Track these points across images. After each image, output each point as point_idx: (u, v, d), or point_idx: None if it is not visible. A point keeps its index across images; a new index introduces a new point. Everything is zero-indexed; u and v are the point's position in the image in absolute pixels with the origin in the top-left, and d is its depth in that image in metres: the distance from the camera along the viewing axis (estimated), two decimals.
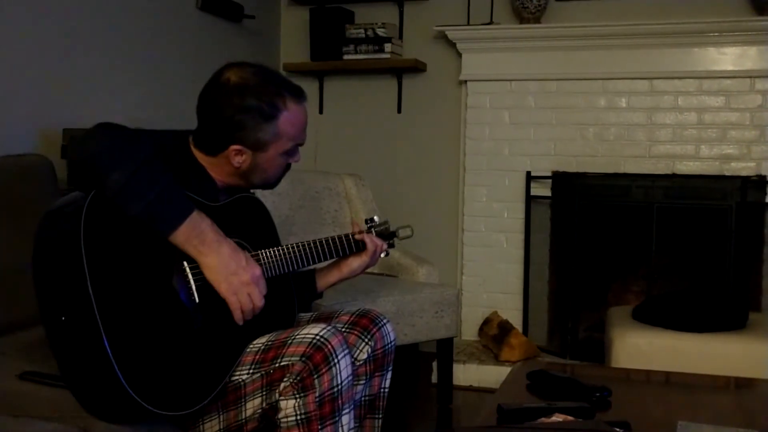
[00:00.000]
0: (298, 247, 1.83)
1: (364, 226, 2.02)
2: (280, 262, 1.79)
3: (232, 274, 1.62)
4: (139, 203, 1.51)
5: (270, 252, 1.78)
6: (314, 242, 1.88)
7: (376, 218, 2.05)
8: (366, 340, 1.85)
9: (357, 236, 1.97)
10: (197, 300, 1.61)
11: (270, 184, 1.89)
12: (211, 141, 1.76)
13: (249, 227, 1.82)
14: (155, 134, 1.80)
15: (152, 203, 1.52)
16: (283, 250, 1.81)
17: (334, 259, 2.00)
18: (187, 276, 1.61)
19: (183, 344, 1.56)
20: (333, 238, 1.93)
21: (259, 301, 1.67)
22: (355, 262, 2.00)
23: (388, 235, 2.06)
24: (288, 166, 1.87)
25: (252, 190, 1.92)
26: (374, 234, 2.01)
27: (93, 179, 1.52)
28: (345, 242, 1.95)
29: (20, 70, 2.50)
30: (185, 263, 1.61)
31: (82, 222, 1.47)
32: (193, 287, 1.61)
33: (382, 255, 2.02)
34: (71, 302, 1.46)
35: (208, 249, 1.60)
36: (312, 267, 1.96)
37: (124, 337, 1.46)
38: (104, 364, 1.42)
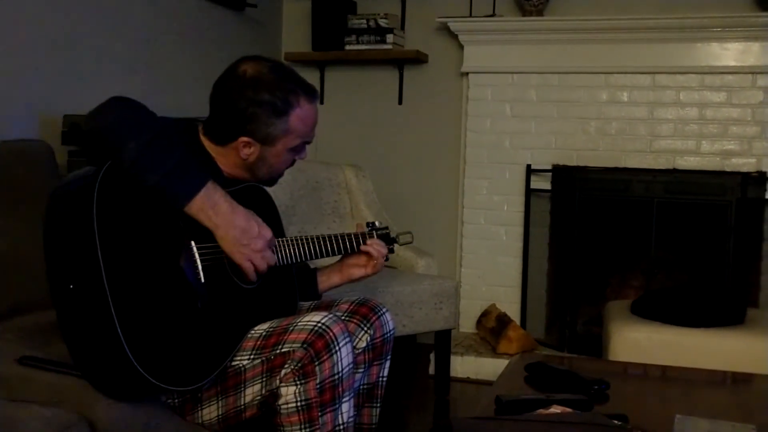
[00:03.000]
0: (302, 239, 1.85)
1: (366, 230, 2.04)
2: (287, 252, 1.80)
3: (245, 244, 1.64)
4: (155, 173, 1.52)
5: (278, 241, 1.79)
6: (318, 237, 1.89)
7: (377, 223, 2.08)
8: (365, 328, 1.86)
9: (363, 248, 1.98)
10: (203, 280, 1.61)
11: (273, 179, 1.91)
12: (221, 131, 1.78)
13: None
14: (166, 119, 1.81)
15: (168, 174, 1.53)
16: (287, 241, 1.82)
17: (337, 257, 2.00)
18: (194, 255, 1.61)
19: (187, 322, 1.57)
20: (337, 236, 1.95)
21: (273, 260, 1.72)
22: (357, 272, 2.02)
23: (388, 241, 2.07)
24: (292, 162, 1.89)
25: None
26: (375, 237, 2.02)
27: (109, 149, 1.52)
28: (348, 241, 1.97)
29: (22, 55, 2.49)
30: (193, 242, 1.61)
31: (95, 194, 1.48)
32: (200, 267, 1.62)
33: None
34: (81, 270, 1.47)
35: (221, 220, 1.61)
36: (314, 265, 1.97)
37: (131, 309, 1.47)
38: (110, 334, 1.43)
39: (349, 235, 1.98)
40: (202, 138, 1.81)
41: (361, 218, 3.22)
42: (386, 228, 2.09)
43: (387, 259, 2.05)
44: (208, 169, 1.76)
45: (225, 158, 1.80)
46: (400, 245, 2.12)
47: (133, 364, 1.44)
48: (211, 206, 1.60)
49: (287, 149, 1.81)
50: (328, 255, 1.94)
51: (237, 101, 1.73)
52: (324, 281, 2.05)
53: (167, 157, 1.54)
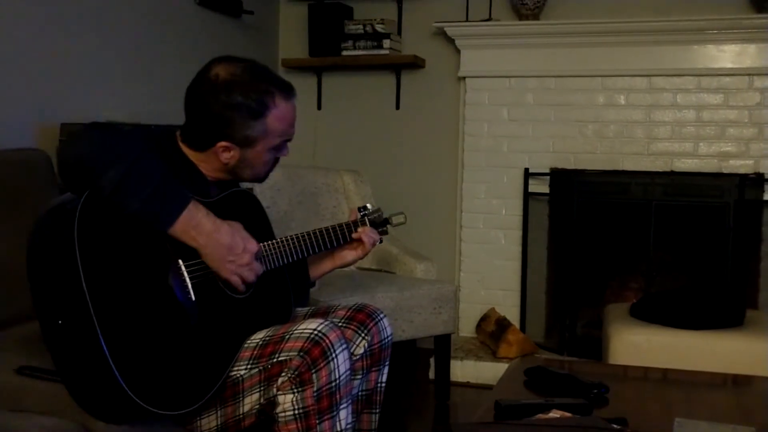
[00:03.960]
0: (293, 238, 1.84)
1: (358, 216, 2.03)
2: (276, 255, 1.79)
3: (231, 261, 1.64)
4: (135, 200, 1.51)
5: (266, 245, 1.78)
6: (309, 233, 1.88)
7: (369, 206, 2.06)
8: (363, 334, 1.85)
9: (354, 235, 1.97)
10: (193, 298, 1.61)
11: (259, 178, 1.89)
12: (198, 137, 1.76)
13: (243, 222, 1.82)
14: (143, 131, 1.80)
15: (148, 200, 1.52)
16: (278, 242, 1.81)
17: (329, 250, 1.99)
18: (182, 274, 1.60)
19: (180, 343, 1.56)
20: (328, 229, 1.93)
21: (260, 270, 1.71)
22: (349, 255, 2.02)
23: (381, 223, 2.06)
24: (276, 160, 1.87)
25: (245, 185, 1.92)
26: (368, 222, 2.02)
27: (87, 180, 1.51)
28: (339, 232, 1.96)
29: (18, 64, 2.49)
30: (180, 261, 1.61)
31: (76, 224, 1.46)
32: (189, 285, 1.61)
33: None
34: (67, 305, 1.45)
35: (205, 239, 1.60)
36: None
37: (122, 338, 1.46)
38: (102, 365, 1.42)
39: (339, 225, 1.96)
40: (181, 145, 1.78)
41: None
42: (378, 210, 2.07)
43: (381, 241, 2.04)
44: (191, 176, 1.75)
45: (206, 164, 1.78)
46: (393, 226, 2.11)
47: (129, 396, 1.43)
48: (194, 227, 1.59)
49: (267, 149, 1.78)
50: (321, 250, 1.92)
51: (211, 106, 1.71)
52: (316, 268, 2.04)
53: (146, 183, 1.52)
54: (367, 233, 1.98)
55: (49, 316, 1.48)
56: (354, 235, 1.98)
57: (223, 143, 1.73)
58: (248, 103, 1.71)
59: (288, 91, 1.79)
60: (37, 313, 1.50)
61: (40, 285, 1.50)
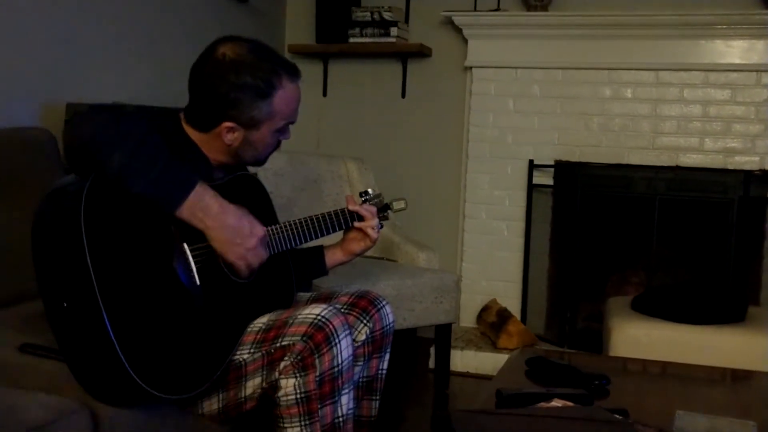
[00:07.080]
0: (295, 223, 1.83)
1: (359, 200, 2.02)
2: (279, 240, 1.79)
3: (238, 244, 1.63)
4: (142, 181, 1.50)
5: (270, 230, 1.78)
6: (311, 218, 1.88)
7: (370, 191, 2.05)
8: (365, 321, 1.85)
9: (356, 224, 1.97)
10: (198, 282, 1.60)
11: (260, 162, 1.87)
12: (203, 117, 1.74)
13: (247, 206, 1.82)
14: (147, 111, 1.78)
15: (155, 180, 1.51)
16: (281, 227, 1.81)
17: (331, 234, 1.98)
18: (187, 258, 1.60)
19: (185, 327, 1.56)
20: (329, 213, 1.92)
21: (265, 257, 1.71)
22: (356, 246, 2.00)
23: (381, 208, 2.05)
24: (278, 144, 1.86)
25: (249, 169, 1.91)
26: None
27: (93, 162, 1.50)
28: (341, 216, 1.95)
29: (24, 43, 2.48)
30: (185, 245, 1.60)
31: (83, 205, 1.46)
32: (194, 269, 1.60)
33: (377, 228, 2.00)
34: (73, 288, 1.45)
35: (213, 221, 1.59)
36: (314, 244, 1.97)
37: (127, 321, 1.45)
38: (107, 349, 1.42)
39: (342, 210, 1.95)
40: (185, 126, 1.77)
41: None
42: (379, 195, 2.06)
43: (381, 227, 2.02)
44: (195, 159, 1.74)
45: (209, 145, 1.76)
46: (394, 212, 2.09)
47: (134, 380, 1.43)
48: (201, 208, 1.58)
49: (272, 131, 1.77)
50: (323, 234, 1.91)
51: (218, 86, 1.69)
52: (330, 257, 2.04)
53: (153, 164, 1.51)
54: (369, 226, 1.96)
55: (54, 299, 1.48)
56: (356, 225, 1.97)
57: (228, 124, 1.72)
58: (256, 83, 1.69)
59: (294, 73, 1.77)
60: (41, 296, 1.50)
61: (46, 267, 1.49)
